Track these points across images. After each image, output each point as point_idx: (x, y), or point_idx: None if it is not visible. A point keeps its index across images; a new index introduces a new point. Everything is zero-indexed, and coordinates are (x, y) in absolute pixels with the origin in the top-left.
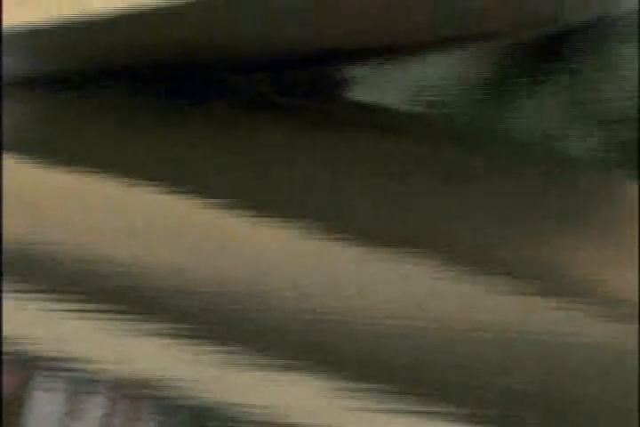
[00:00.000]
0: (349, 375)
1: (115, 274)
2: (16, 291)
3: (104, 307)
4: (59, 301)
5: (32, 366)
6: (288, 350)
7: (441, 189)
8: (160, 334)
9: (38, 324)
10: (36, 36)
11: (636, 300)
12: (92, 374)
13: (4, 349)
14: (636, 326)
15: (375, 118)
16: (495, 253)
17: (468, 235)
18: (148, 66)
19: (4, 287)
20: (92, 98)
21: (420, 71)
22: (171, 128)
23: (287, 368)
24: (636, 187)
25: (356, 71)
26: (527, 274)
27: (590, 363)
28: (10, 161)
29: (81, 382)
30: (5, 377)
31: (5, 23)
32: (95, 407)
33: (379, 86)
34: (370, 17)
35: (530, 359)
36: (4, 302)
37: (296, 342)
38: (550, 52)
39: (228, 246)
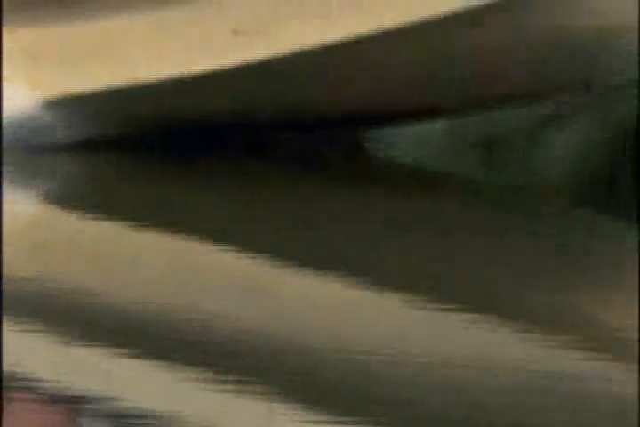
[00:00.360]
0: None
1: (159, 323)
2: (59, 335)
3: (146, 352)
4: (103, 345)
5: (78, 404)
6: (338, 404)
7: (465, 243)
8: (204, 381)
9: (82, 366)
10: (89, 102)
11: None
12: (138, 414)
13: (50, 388)
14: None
15: (399, 176)
16: (520, 302)
17: (497, 286)
18: (190, 127)
19: (54, 331)
20: (142, 157)
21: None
22: (212, 185)
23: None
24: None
25: (382, 132)
26: (551, 322)
27: (612, 410)
28: (63, 215)
29: (127, 419)
30: (52, 416)
31: (60, 91)
32: None
33: (404, 145)
34: (391, 83)
35: (549, 404)
36: (47, 345)
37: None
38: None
39: (269, 298)
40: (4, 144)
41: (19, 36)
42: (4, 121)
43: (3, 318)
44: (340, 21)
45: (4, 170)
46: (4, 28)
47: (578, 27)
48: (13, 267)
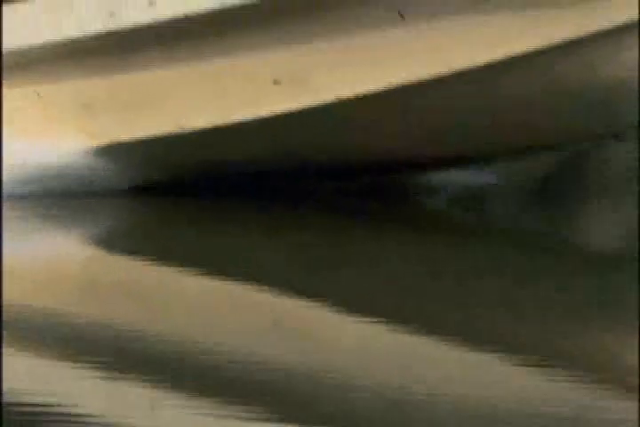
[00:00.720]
0: None
1: (201, 360)
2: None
3: (188, 388)
4: (147, 380)
5: None
6: None
7: (502, 288)
8: (243, 418)
9: (127, 400)
10: (137, 149)
11: None
12: None
13: (95, 422)
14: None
15: (440, 222)
16: (546, 343)
17: (531, 330)
18: (232, 173)
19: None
20: (185, 202)
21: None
22: (251, 228)
23: None
24: None
25: (423, 178)
26: (575, 361)
27: None
28: (111, 258)
29: None
30: None
31: (110, 139)
32: None
33: (443, 192)
34: (421, 132)
35: None
36: (93, 380)
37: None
38: None
39: (308, 339)
40: (57, 190)
41: (72, 87)
42: (57, 168)
43: (3, 345)
44: (374, 72)
45: (56, 215)
46: (55, 79)
47: (603, 78)
48: (65, 306)
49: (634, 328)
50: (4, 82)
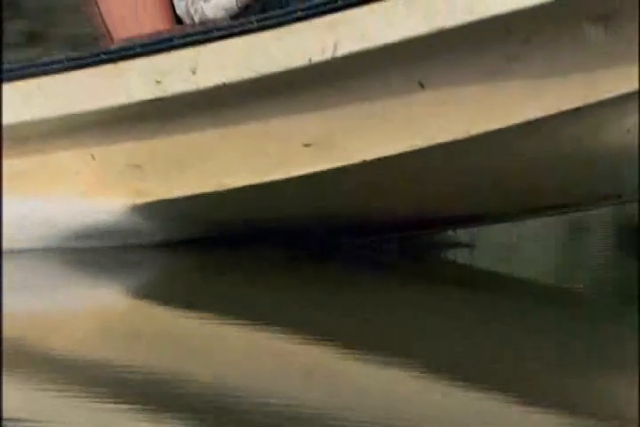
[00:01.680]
0: None
1: (236, 407)
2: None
3: None
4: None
5: None
6: None
7: (517, 337)
8: None
9: None
10: (178, 206)
11: None
12: None
13: None
14: None
15: (467, 277)
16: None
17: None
18: (267, 229)
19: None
20: (230, 255)
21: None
22: (294, 282)
23: None
24: None
25: (453, 235)
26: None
27: None
28: (150, 308)
29: None
30: None
31: (153, 197)
32: None
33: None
34: (449, 193)
35: None
36: (136, 423)
37: None
38: None
39: (333, 384)
40: (104, 244)
41: (123, 149)
42: (106, 224)
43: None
44: (396, 136)
45: (98, 267)
46: (107, 142)
47: (608, 142)
48: (105, 355)
49: (634, 378)
50: (55, 145)
